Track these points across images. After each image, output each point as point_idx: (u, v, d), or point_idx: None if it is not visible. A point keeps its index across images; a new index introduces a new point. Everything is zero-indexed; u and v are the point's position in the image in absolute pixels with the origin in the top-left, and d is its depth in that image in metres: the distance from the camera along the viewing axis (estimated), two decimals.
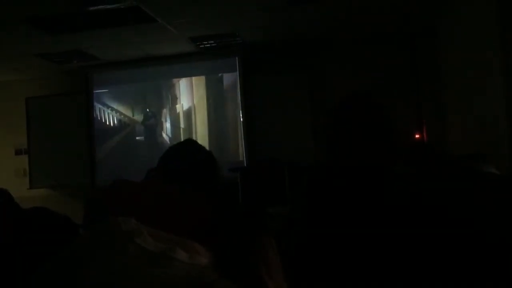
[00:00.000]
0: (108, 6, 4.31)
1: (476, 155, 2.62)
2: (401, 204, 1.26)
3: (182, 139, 6.61)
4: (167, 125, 6.62)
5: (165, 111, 6.62)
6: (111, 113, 6.74)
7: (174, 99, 6.61)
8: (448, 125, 5.51)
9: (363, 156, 1.38)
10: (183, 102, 6.57)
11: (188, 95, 6.57)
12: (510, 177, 2.92)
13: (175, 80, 6.61)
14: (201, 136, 6.45)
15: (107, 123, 6.74)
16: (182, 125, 6.57)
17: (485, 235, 1.24)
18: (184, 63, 6.51)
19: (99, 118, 6.73)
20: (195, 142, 1.57)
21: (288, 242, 1.35)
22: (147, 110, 6.66)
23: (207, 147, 1.53)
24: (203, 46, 6.04)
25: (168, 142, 6.56)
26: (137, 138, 6.71)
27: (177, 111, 6.59)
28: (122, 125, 6.72)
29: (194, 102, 6.54)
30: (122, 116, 6.72)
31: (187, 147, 1.53)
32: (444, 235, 1.21)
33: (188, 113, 6.54)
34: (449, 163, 2.37)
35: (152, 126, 6.66)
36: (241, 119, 6.35)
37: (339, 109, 1.47)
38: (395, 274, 1.20)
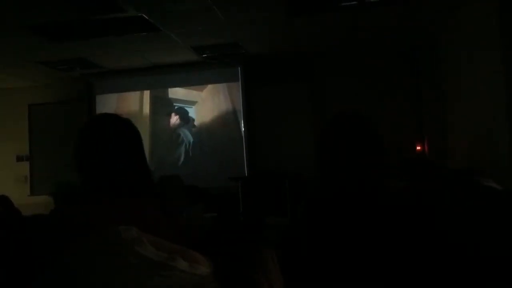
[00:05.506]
0: (112, 15, 4.33)
1: (474, 169, 2.62)
2: (396, 220, 1.28)
3: (182, 152, 6.41)
4: (169, 133, 6.61)
5: (167, 120, 6.61)
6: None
7: (176, 108, 6.62)
8: (449, 139, 5.49)
9: (353, 172, 1.41)
10: (186, 111, 6.57)
11: (190, 104, 6.57)
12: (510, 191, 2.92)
13: (177, 88, 6.63)
14: (203, 145, 6.45)
15: None
16: (184, 134, 6.56)
17: (483, 248, 1.24)
18: (187, 72, 6.53)
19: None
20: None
21: (288, 253, 1.35)
22: (149, 117, 6.66)
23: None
24: (206, 55, 6.06)
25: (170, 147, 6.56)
26: None
27: (179, 120, 6.58)
28: None
29: (196, 111, 6.54)
30: None
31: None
32: (441, 251, 1.22)
33: (190, 123, 6.54)
34: (447, 177, 2.37)
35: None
36: (243, 129, 6.36)
37: (328, 127, 1.50)
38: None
